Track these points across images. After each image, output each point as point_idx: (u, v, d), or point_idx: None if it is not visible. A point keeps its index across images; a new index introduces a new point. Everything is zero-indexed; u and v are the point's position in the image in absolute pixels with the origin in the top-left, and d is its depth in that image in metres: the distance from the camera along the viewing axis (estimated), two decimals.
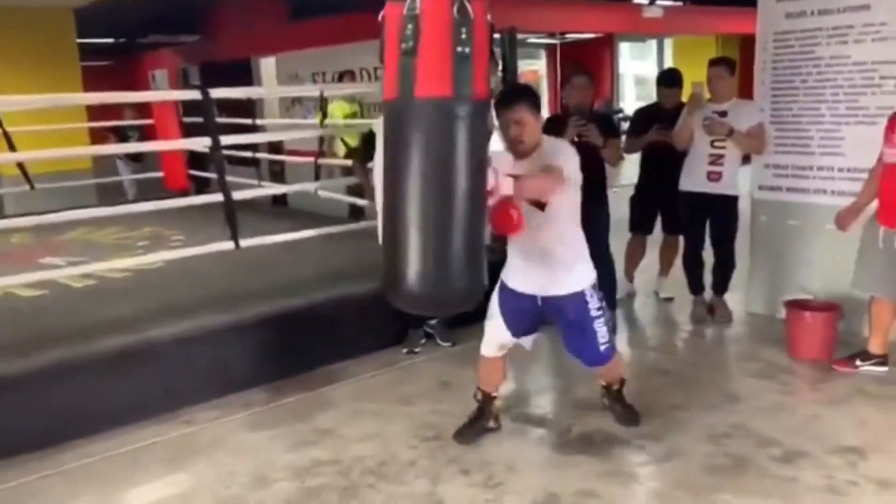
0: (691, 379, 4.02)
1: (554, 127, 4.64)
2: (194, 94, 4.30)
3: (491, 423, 3.43)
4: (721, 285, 4.88)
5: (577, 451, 3.25)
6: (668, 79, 5.20)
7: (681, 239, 5.12)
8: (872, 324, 3.89)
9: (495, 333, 3.26)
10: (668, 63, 16.13)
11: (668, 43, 16.42)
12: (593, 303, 3.12)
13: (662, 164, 4.94)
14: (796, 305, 4.22)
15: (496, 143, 2.84)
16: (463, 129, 2.23)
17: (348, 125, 7.20)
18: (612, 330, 3.96)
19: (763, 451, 3.17)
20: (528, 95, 3.06)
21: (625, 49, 17.27)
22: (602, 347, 3.17)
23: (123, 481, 3.20)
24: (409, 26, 2.16)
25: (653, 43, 17.21)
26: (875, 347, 3.89)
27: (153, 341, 3.81)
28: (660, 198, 5.12)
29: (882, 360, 3.89)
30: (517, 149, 3.00)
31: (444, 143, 2.23)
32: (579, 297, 3.09)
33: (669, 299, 5.35)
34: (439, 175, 2.25)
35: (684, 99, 4.93)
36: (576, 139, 4.45)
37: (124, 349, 3.72)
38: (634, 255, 5.42)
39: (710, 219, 4.76)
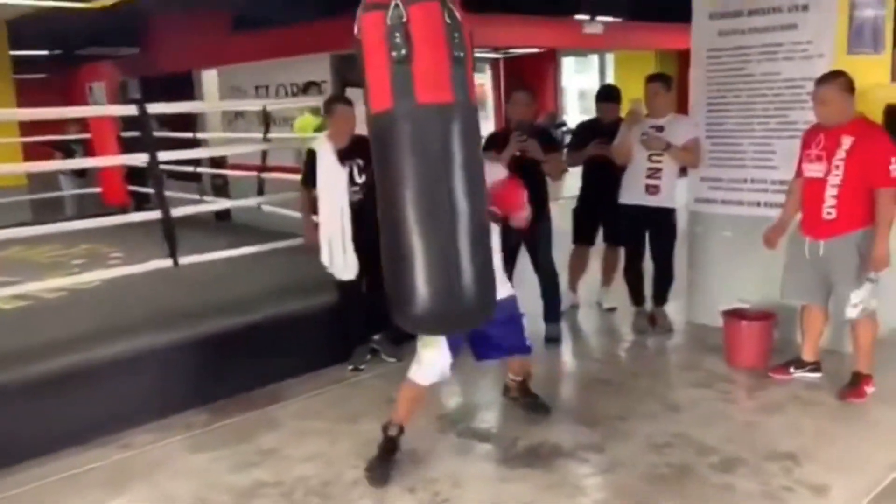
0: (633, 388, 4.09)
1: (496, 142, 4.71)
2: (131, 109, 4.21)
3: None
4: (661, 296, 4.98)
5: (523, 464, 3.27)
6: (606, 94, 5.33)
7: (622, 250, 5.21)
8: (804, 332, 4.02)
9: (438, 358, 3.13)
10: (610, 77, 16.43)
11: (610, 58, 16.73)
12: (517, 303, 3.44)
13: (603, 177, 5.03)
14: (733, 315, 4.33)
15: None
16: (465, 135, 2.21)
17: (295, 137, 7.10)
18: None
19: (702, 460, 3.24)
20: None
21: (569, 63, 17.54)
22: (527, 342, 3.47)
23: None
24: (398, 34, 2.11)
25: (595, 58, 17.52)
26: (808, 355, 4.02)
27: (89, 363, 3.71)
28: (601, 210, 5.21)
29: (815, 366, 4.01)
30: None
31: (448, 150, 2.19)
32: (512, 299, 3.39)
33: (612, 310, 5.43)
34: (445, 183, 2.20)
35: (623, 114, 5.05)
36: (517, 154, 4.52)
37: (58, 372, 3.61)
38: (578, 266, 5.49)
39: (650, 231, 4.86)
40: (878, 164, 3.48)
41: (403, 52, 2.09)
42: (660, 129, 4.67)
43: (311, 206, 4.46)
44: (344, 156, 4.25)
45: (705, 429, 3.52)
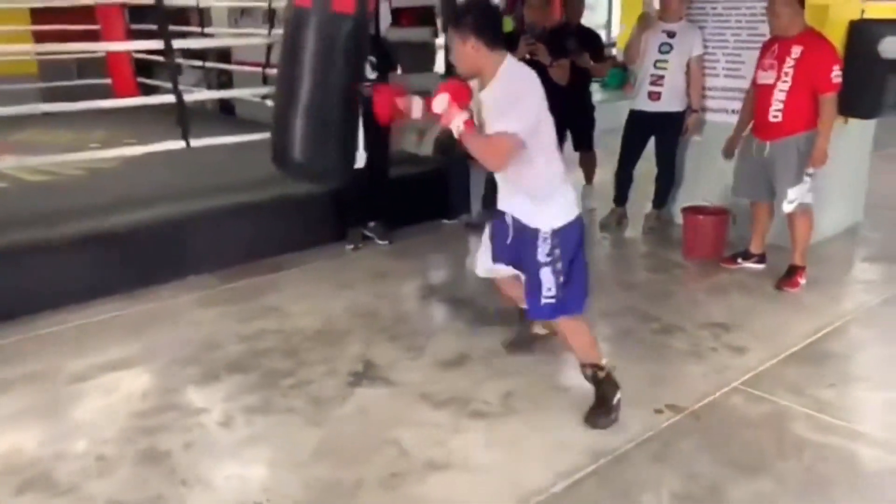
0: (594, 272, 4.53)
1: (507, 44, 5.02)
2: None
3: (537, 329, 3.47)
4: (658, 198, 5.25)
5: (490, 323, 3.76)
6: None
7: (596, 153, 5.52)
8: (753, 227, 4.47)
9: (480, 254, 3.19)
10: None
11: None
12: (543, 248, 2.80)
13: (569, 82, 5.13)
14: (691, 211, 4.77)
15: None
16: (355, 39, 2.79)
17: None
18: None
19: (645, 326, 3.76)
20: (461, 18, 2.68)
21: None
22: (543, 301, 2.84)
23: (91, 345, 3.61)
24: None
25: None
26: (754, 247, 4.48)
27: (113, 227, 4.18)
28: (565, 116, 5.42)
29: (760, 257, 4.49)
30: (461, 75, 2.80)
31: (335, 47, 2.76)
32: (533, 234, 2.81)
33: (592, 209, 5.67)
34: (327, 68, 2.75)
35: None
36: (527, 56, 4.83)
37: (87, 233, 4.10)
38: None
39: (655, 135, 5.11)
40: (823, 71, 3.87)
41: None
42: (671, 34, 4.86)
43: None
44: None
45: (652, 303, 4.03)
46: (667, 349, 3.52)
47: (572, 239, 2.83)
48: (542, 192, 2.80)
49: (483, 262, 3.16)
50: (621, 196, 5.40)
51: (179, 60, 8.40)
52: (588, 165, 5.76)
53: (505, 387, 3.16)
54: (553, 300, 2.83)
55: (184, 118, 4.64)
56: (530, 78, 2.71)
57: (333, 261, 4.73)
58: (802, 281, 4.21)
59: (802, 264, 4.23)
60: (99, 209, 4.31)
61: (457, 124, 2.59)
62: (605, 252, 5.18)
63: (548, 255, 2.80)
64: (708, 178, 5.10)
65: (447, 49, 4.83)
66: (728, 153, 4.45)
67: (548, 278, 2.82)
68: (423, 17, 5.25)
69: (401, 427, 2.88)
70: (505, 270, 3.09)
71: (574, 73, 5.14)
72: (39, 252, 3.91)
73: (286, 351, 3.51)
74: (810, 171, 4.02)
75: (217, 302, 4.09)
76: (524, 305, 3.10)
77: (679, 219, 4.98)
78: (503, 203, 2.95)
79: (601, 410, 2.91)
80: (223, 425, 2.92)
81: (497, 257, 3.06)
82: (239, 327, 3.78)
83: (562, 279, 2.82)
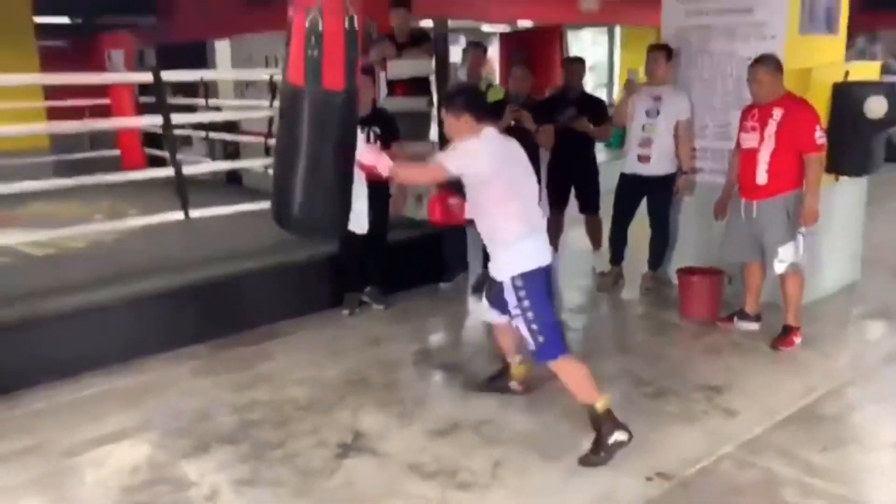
0: (591, 333, 4.58)
1: (495, 111, 5.16)
2: (147, 77, 4.69)
3: (513, 385, 3.63)
4: (652, 259, 5.28)
5: (485, 389, 3.73)
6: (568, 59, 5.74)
7: (602, 216, 5.57)
8: (746, 287, 4.47)
9: (481, 303, 3.48)
10: (618, 50, 16.73)
11: (618, 31, 16.98)
12: (511, 296, 3.03)
13: (571, 147, 5.32)
14: (685, 272, 4.78)
15: None
16: (344, 113, 2.94)
17: None
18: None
19: (639, 390, 3.73)
20: (454, 98, 3.18)
21: (584, 36, 17.80)
22: (531, 347, 3.07)
23: (83, 419, 3.61)
24: (313, 37, 2.76)
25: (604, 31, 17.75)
26: (749, 307, 4.47)
27: (107, 301, 4.23)
28: (571, 179, 5.55)
29: (755, 317, 4.47)
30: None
31: (328, 121, 2.91)
32: (505, 285, 3.07)
33: (601, 273, 5.53)
34: (321, 138, 2.91)
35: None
36: (512, 124, 4.96)
37: (80, 307, 4.14)
38: (555, 230, 5.76)
39: (647, 198, 5.18)
40: (806, 133, 3.93)
41: (316, 52, 2.75)
42: (657, 98, 4.97)
43: None
44: (363, 122, 4.64)
45: (647, 365, 4.01)
46: (660, 413, 3.49)
47: (538, 286, 3.03)
48: (503, 240, 3.07)
49: (481, 305, 3.44)
50: (616, 256, 5.43)
51: (189, 133, 8.66)
52: (594, 230, 5.77)
53: (494, 456, 3.13)
54: (537, 346, 3.05)
55: (182, 190, 4.75)
56: (488, 141, 3.07)
57: (329, 327, 4.76)
58: (798, 340, 4.19)
59: (797, 324, 4.21)
60: (92, 283, 4.36)
61: (384, 165, 3.01)
62: (603, 313, 5.18)
63: (516, 305, 3.03)
64: (702, 239, 5.12)
65: (440, 120, 4.99)
66: (719, 214, 4.50)
67: (522, 326, 3.05)
68: (416, 87, 5.39)
69: (387, 500, 2.86)
70: (496, 315, 3.37)
71: (576, 137, 5.24)
72: (32, 327, 3.96)
73: (277, 421, 3.51)
74: (802, 230, 4.04)
75: (210, 372, 4.11)
76: (510, 359, 3.57)
77: (675, 279, 4.98)
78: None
79: (594, 448, 3.03)
80: (210, 499, 2.91)
81: (492, 302, 3.33)
82: (231, 397, 3.78)
83: (533, 326, 3.01)
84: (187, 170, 4.97)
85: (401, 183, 3.17)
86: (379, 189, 4.59)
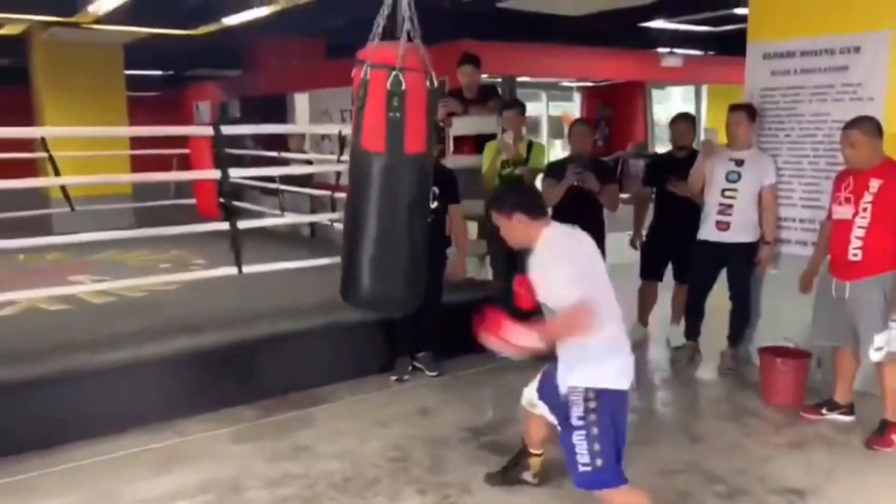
0: (660, 417, 4.18)
1: (555, 171, 4.93)
2: (207, 131, 4.66)
3: (526, 476, 3.33)
4: (732, 335, 4.87)
5: (495, 483, 3.38)
6: (675, 117, 5.31)
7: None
8: (836, 374, 4.00)
9: (529, 387, 3.11)
10: (703, 109, 16.29)
11: (704, 89, 16.56)
12: (577, 409, 2.65)
13: (676, 213, 5.01)
14: (768, 352, 4.34)
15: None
16: (420, 178, 2.82)
17: None
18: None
19: (708, 488, 3.32)
20: (502, 200, 2.83)
21: (675, 93, 17.47)
22: (580, 468, 2.67)
23: (112, 483, 3.47)
24: (396, 99, 2.62)
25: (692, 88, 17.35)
26: (840, 396, 4.00)
27: (155, 356, 4.12)
28: (671, 246, 5.14)
29: (847, 409, 3.99)
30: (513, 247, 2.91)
31: (406, 188, 2.78)
32: (568, 394, 2.71)
33: (679, 348, 5.22)
34: (395, 206, 2.76)
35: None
36: (575, 184, 4.73)
37: (127, 361, 4.04)
38: (645, 300, 5.44)
39: (726, 268, 4.80)
40: None
41: (398, 114, 2.58)
42: (740, 162, 4.61)
43: None
44: None
45: (719, 459, 3.59)
46: None
47: (615, 408, 2.65)
48: (591, 352, 2.66)
49: (529, 390, 3.08)
50: (693, 330, 5.04)
51: (265, 185, 8.73)
52: (680, 300, 5.26)
53: None
54: (590, 469, 2.64)
55: (237, 244, 4.65)
56: (570, 242, 2.77)
57: (377, 394, 4.52)
58: None
59: None
60: (143, 336, 4.28)
61: (533, 341, 2.54)
62: (674, 393, 4.76)
63: (581, 417, 2.63)
64: (788, 316, 4.66)
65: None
66: (805, 288, 4.08)
67: (581, 444, 2.64)
68: (483, 145, 5.21)
69: None
70: (543, 410, 2.98)
71: (686, 202, 4.90)
72: (75, 380, 3.88)
73: (307, 500, 3.27)
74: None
75: (248, 438, 3.92)
76: (533, 449, 3.24)
77: (757, 359, 4.54)
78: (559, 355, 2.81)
79: None
80: None
81: (541, 394, 2.97)
82: (265, 468, 3.58)
83: (596, 447, 2.61)
84: (245, 223, 4.88)
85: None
86: (435, 249, 4.38)
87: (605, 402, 2.63)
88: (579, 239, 2.80)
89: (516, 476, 3.36)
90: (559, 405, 2.78)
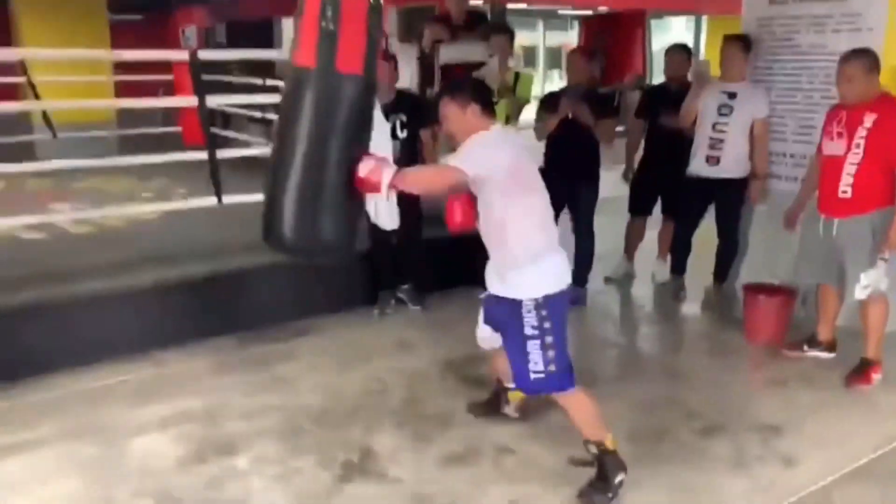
0: (640, 353, 4.18)
1: (549, 102, 4.78)
2: (183, 55, 4.50)
3: (508, 410, 3.33)
4: (718, 272, 4.82)
5: (476, 414, 3.39)
6: (670, 48, 5.12)
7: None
8: (820, 311, 3.98)
9: (478, 325, 3.09)
10: (702, 40, 15.94)
11: (704, 21, 16.19)
12: (530, 319, 2.67)
13: (666, 147, 4.90)
14: (753, 290, 4.30)
15: None
16: (360, 101, 2.51)
17: None
18: (577, 303, 3.33)
19: (685, 424, 3.32)
20: (460, 88, 2.80)
21: (672, 24, 17.08)
22: (532, 375, 2.70)
23: (87, 415, 3.45)
24: (330, 10, 2.36)
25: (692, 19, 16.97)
26: (822, 334, 3.98)
27: (130, 287, 4.07)
28: (660, 180, 5.03)
29: (829, 345, 3.98)
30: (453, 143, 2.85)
31: (338, 112, 2.47)
32: (516, 306, 2.70)
33: (665, 283, 5.18)
34: (327, 136, 2.48)
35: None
36: (569, 116, 4.58)
37: (101, 293, 3.99)
38: (633, 235, 5.34)
39: (714, 203, 4.73)
40: None
41: (332, 27, 2.36)
42: (732, 95, 4.47)
43: None
44: (388, 110, 4.37)
45: (699, 395, 3.59)
46: (706, 455, 3.07)
47: (562, 309, 2.73)
48: (523, 256, 2.69)
49: (479, 328, 3.07)
50: (679, 266, 4.99)
51: (252, 113, 8.53)
52: (667, 236, 5.18)
53: (511, 495, 2.80)
54: (542, 375, 2.70)
55: (216, 176, 4.54)
56: (498, 141, 2.73)
57: (359, 327, 4.49)
58: (876, 377, 3.69)
59: (877, 358, 3.71)
60: (121, 266, 4.22)
61: (386, 178, 2.49)
62: (657, 329, 4.74)
63: (536, 326, 2.67)
64: (776, 253, 4.62)
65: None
66: (789, 225, 4.01)
67: (535, 353, 2.69)
68: (470, 73, 5.03)
69: None
70: (495, 339, 2.99)
71: (676, 136, 4.77)
72: (50, 310, 3.83)
73: (283, 432, 3.26)
74: (886, 255, 3.52)
75: (229, 370, 3.90)
76: (507, 384, 3.17)
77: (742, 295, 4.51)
78: (488, 274, 2.87)
79: (598, 486, 2.73)
80: None
81: (487, 320, 2.98)
82: (243, 400, 3.56)
83: (550, 353, 2.68)
84: (235, 152, 4.78)
85: (409, 192, 2.64)
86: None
87: (553, 307, 2.68)
88: (515, 141, 2.82)
89: (497, 409, 3.36)
90: (502, 320, 2.80)
